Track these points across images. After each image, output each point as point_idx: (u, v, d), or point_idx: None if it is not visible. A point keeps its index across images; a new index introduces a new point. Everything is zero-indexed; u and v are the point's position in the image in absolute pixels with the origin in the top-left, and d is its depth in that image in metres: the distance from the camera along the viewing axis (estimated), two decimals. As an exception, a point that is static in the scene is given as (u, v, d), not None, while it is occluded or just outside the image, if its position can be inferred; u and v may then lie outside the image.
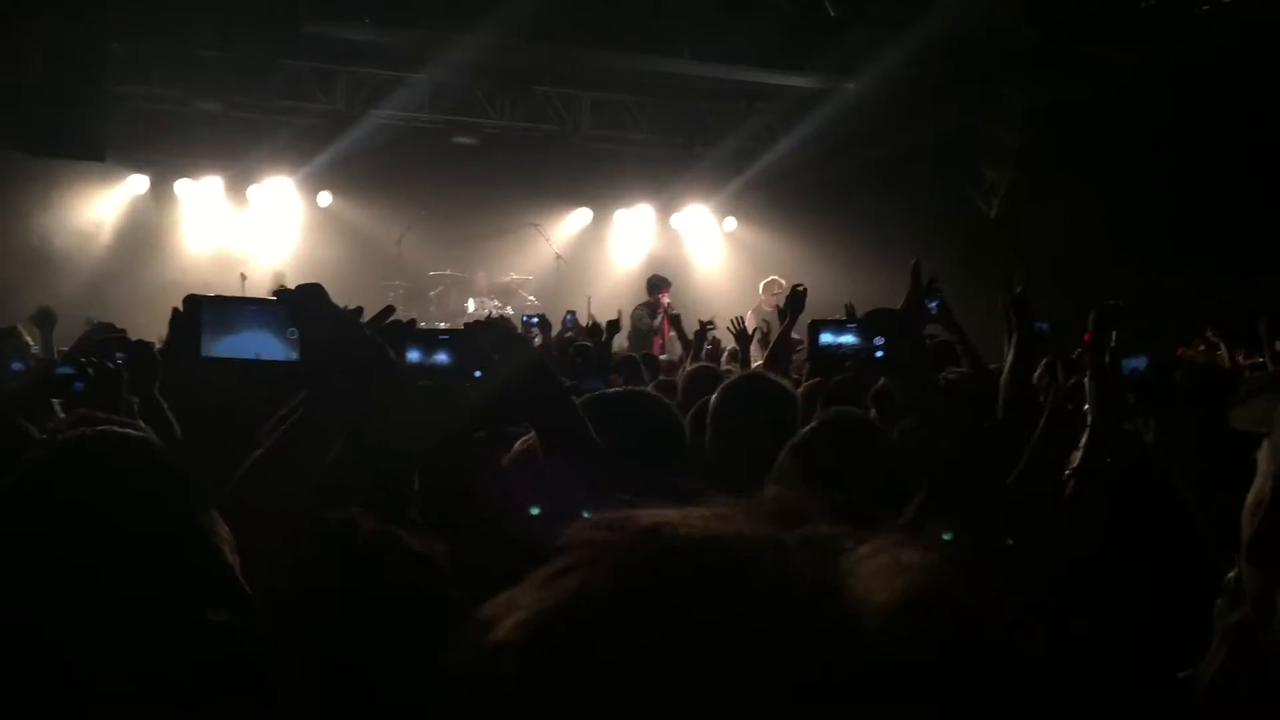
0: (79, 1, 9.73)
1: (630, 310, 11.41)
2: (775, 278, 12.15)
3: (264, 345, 1.94)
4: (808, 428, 2.77)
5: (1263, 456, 1.03)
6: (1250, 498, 1.03)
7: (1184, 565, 2.34)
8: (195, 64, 11.82)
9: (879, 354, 2.66)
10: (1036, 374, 4.70)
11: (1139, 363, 3.13)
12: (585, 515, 0.64)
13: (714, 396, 3.51)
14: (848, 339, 2.99)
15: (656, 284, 12.01)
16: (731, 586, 0.57)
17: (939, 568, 0.59)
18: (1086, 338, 4.09)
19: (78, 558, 1.63)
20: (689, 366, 6.09)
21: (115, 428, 1.91)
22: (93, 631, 1.56)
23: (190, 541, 1.71)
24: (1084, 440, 3.02)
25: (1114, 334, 3.09)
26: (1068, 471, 3.06)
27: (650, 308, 11.61)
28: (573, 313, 9.53)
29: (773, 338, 6.24)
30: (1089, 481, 3.05)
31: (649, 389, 3.80)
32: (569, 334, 8.80)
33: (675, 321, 8.63)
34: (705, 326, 7.45)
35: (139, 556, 1.65)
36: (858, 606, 0.56)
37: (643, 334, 10.82)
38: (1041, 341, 4.96)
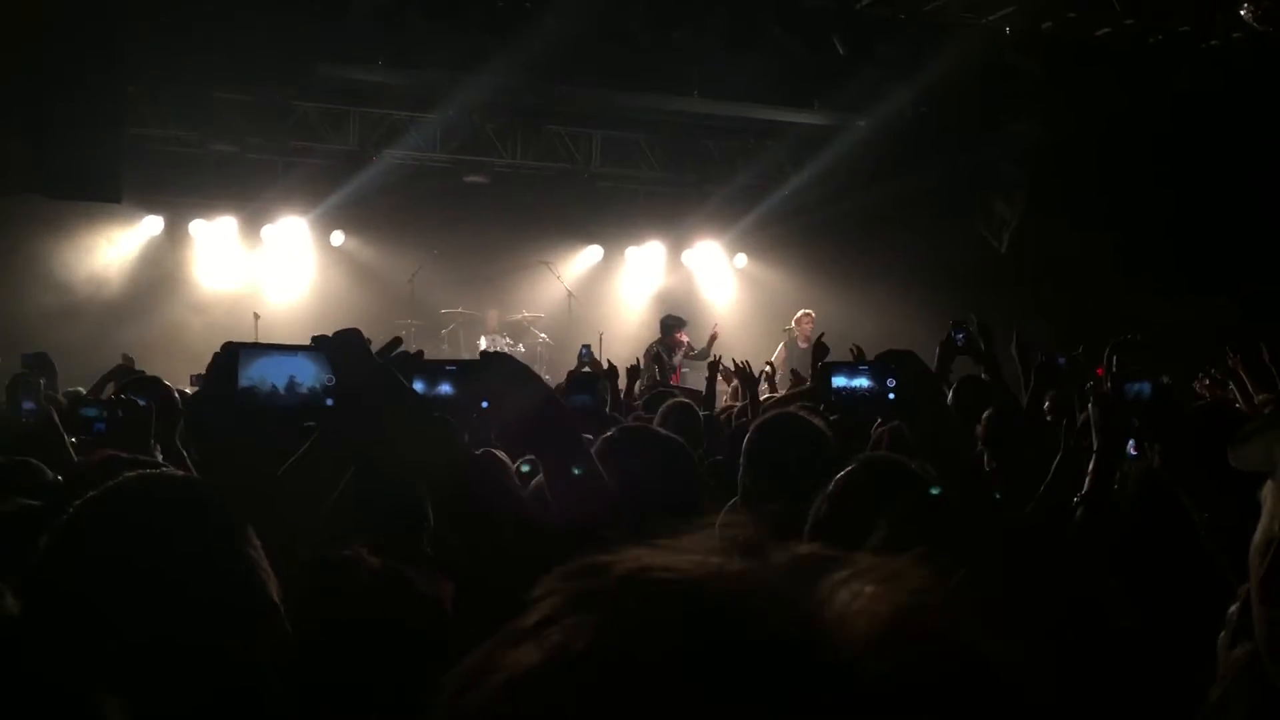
0: (96, 46, 9.86)
1: (643, 347, 11.46)
2: (807, 311, 12.18)
3: (304, 376, 2.00)
4: (842, 475, 2.76)
5: (1267, 495, 1.03)
6: (1258, 537, 1.04)
7: (1193, 589, 2.34)
8: (211, 106, 11.96)
9: (891, 395, 2.67)
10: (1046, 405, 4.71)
11: (1142, 387, 3.15)
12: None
13: (748, 434, 3.52)
14: (861, 381, 3.00)
15: (672, 325, 12.03)
16: (714, 637, 0.56)
17: (925, 592, 0.59)
18: (1099, 372, 4.11)
19: (134, 605, 1.63)
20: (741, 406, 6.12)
21: (152, 470, 1.92)
22: (144, 675, 1.57)
23: (240, 580, 1.72)
24: (1090, 467, 3.03)
25: (1115, 359, 3.12)
26: (1076, 499, 3.07)
27: (668, 347, 11.62)
28: (588, 347, 9.57)
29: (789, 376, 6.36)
30: (1097, 508, 3.06)
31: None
32: (585, 368, 8.86)
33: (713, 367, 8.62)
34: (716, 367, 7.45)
35: (192, 600, 1.66)
36: (838, 638, 0.56)
37: (662, 371, 10.82)
38: (1057, 375, 4.99)
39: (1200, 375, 8.18)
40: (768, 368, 8.04)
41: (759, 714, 0.54)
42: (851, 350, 5.96)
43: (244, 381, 2.07)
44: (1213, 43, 10.45)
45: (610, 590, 0.60)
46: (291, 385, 2.10)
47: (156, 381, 5.22)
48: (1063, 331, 8.75)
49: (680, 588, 0.59)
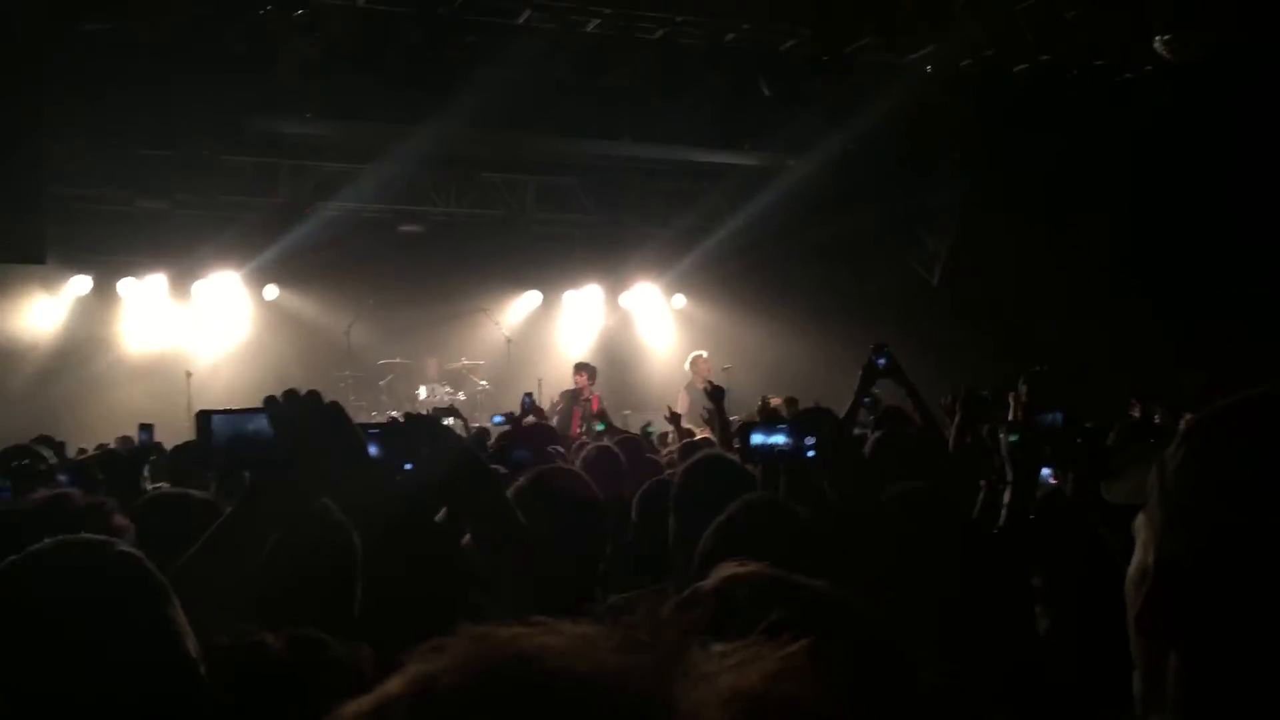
0: (15, 104, 9.72)
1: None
2: (700, 352, 12.23)
3: (268, 447, 2.04)
4: (724, 514, 2.76)
5: (1140, 527, 1.04)
6: (1132, 569, 1.05)
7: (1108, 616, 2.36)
8: (137, 163, 11.83)
9: (810, 453, 2.70)
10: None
11: (1055, 416, 3.20)
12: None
13: (676, 477, 3.51)
14: (778, 439, 3.03)
15: (579, 369, 12.06)
16: (542, 708, 0.56)
17: (782, 676, 0.59)
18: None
19: (49, 665, 1.63)
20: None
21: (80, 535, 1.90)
22: None
23: (158, 639, 1.71)
24: (1005, 498, 3.06)
25: (1026, 389, 3.17)
26: (995, 530, 3.10)
27: (574, 393, 11.59)
28: (530, 395, 9.54)
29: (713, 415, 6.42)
30: (1013, 537, 3.09)
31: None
32: (529, 415, 8.83)
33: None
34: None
35: (110, 659, 1.66)
36: None
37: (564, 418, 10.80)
38: (983, 407, 5.05)
39: (1132, 400, 8.36)
40: (666, 412, 8.04)
41: None
42: (761, 402, 6.05)
43: (220, 443, 2.12)
44: (1127, 76, 10.74)
45: (454, 649, 0.60)
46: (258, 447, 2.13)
47: (51, 441, 5.24)
48: (992, 363, 8.89)
49: (518, 653, 0.59)
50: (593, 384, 11.81)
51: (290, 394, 2.02)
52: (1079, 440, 3.28)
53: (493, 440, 7.62)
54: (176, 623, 1.74)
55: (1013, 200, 11.47)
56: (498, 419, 8.93)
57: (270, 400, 2.01)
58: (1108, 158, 10.65)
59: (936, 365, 8.30)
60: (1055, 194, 11.15)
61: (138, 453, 5.14)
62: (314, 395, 2.02)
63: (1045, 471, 3.67)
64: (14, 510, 2.59)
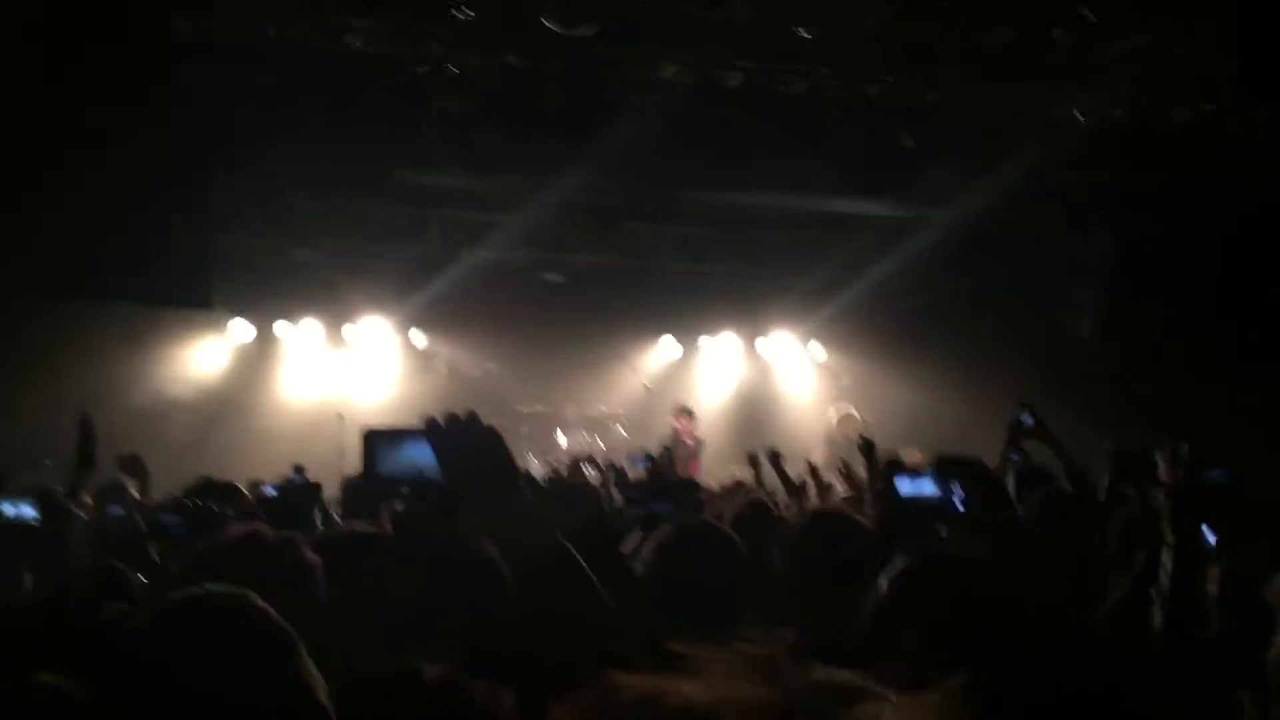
0: (186, 158, 10.28)
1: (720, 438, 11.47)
2: (850, 410, 12.13)
3: (427, 468, 2.05)
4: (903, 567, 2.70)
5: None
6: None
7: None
8: (293, 213, 12.36)
9: (960, 506, 2.64)
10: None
11: (1221, 474, 3.06)
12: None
13: (797, 531, 3.49)
14: (926, 487, 2.96)
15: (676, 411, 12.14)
16: None
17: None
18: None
19: (184, 711, 1.71)
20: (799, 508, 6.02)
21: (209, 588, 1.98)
22: None
23: (290, 697, 1.77)
24: (1168, 561, 2.93)
25: (1185, 448, 3.04)
26: (1156, 598, 2.97)
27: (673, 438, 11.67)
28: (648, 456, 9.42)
29: (855, 472, 6.32)
30: (1182, 605, 2.96)
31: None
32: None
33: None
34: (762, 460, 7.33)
35: (242, 710, 1.73)
36: None
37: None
38: (1134, 466, 4.87)
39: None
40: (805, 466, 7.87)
41: None
42: (892, 457, 5.92)
43: (386, 467, 2.14)
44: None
45: (618, 716, 0.61)
46: (420, 473, 2.15)
47: (232, 487, 5.48)
48: (1144, 422, 8.57)
49: (690, 716, 0.60)
50: (691, 424, 11.93)
51: (452, 418, 2.03)
52: (1245, 500, 3.13)
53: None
54: (306, 673, 1.80)
55: (1169, 253, 11.10)
56: (640, 462, 8.86)
57: (432, 423, 2.03)
58: (1271, 212, 10.22)
59: (1085, 422, 8.05)
60: (1213, 247, 10.75)
61: (305, 493, 5.34)
62: (474, 418, 2.02)
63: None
64: (211, 546, 2.71)
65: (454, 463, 1.98)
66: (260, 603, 1.86)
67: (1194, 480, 3.16)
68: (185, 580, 2.36)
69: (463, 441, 1.98)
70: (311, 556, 2.64)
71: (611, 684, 0.65)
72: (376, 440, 2.13)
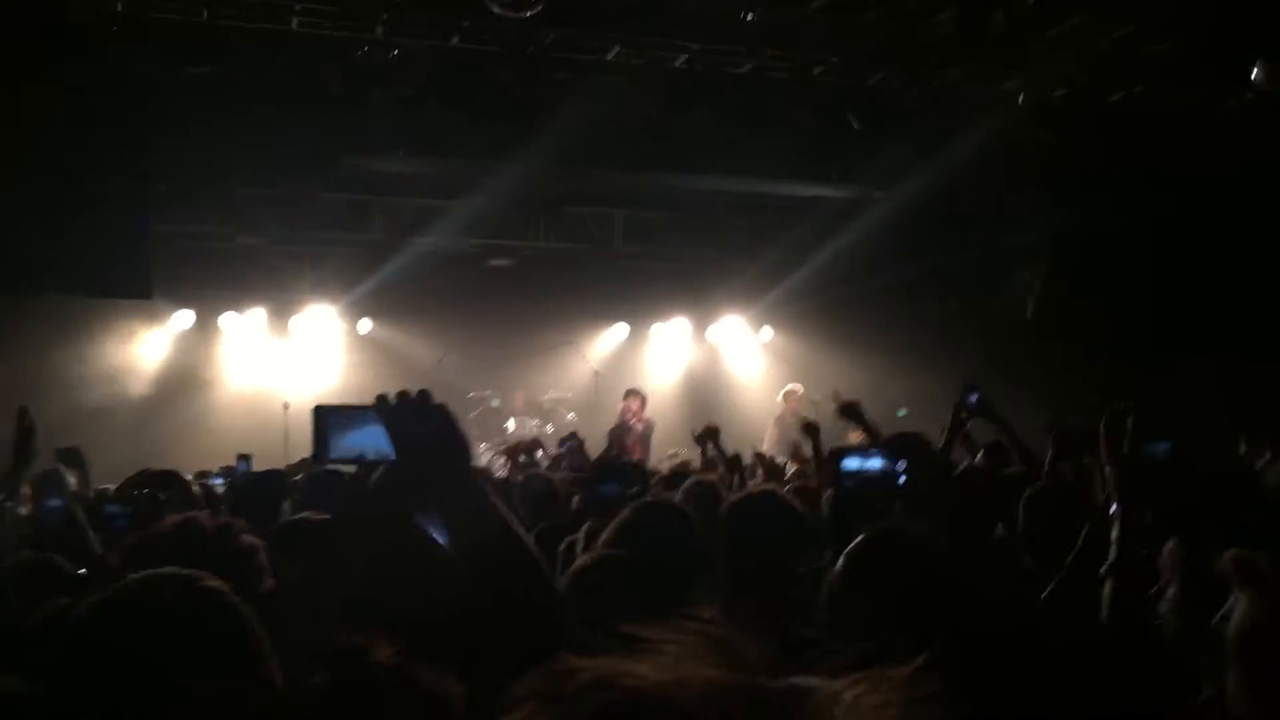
0: (122, 144, 10.10)
1: (670, 422, 11.50)
2: (794, 386, 12.22)
3: (378, 445, 2.01)
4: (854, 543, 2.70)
5: (1229, 571, 1.00)
6: (1241, 621, 1.00)
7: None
8: (236, 201, 12.19)
9: (901, 479, 2.65)
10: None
11: (1163, 447, 3.10)
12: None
13: (726, 515, 3.50)
14: (873, 464, 2.98)
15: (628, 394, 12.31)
16: None
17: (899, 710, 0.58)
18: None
19: (134, 692, 1.69)
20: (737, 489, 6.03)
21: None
22: None
23: (240, 666, 1.77)
24: (1114, 534, 2.96)
25: (1130, 420, 3.07)
26: (1103, 568, 3.00)
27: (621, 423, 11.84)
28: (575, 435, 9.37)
29: (802, 450, 6.38)
30: (1127, 574, 2.99)
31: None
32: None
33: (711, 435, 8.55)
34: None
35: (194, 685, 1.72)
36: None
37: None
38: (1077, 441, 4.93)
39: (1240, 437, 8.07)
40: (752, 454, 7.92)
41: None
42: (834, 399, 6.02)
43: (336, 451, 2.11)
44: (1229, 104, 10.48)
45: (573, 698, 0.60)
46: (362, 457, 2.12)
47: (173, 475, 5.41)
48: (1089, 399, 8.68)
49: (640, 698, 0.59)
50: (643, 409, 11.99)
51: (402, 395, 2.00)
52: (1188, 472, 3.17)
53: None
54: (260, 648, 1.81)
55: (1110, 234, 11.24)
56: (564, 445, 8.78)
57: (381, 399, 2.00)
58: (1208, 190, 10.39)
59: (1030, 401, 8.14)
60: (1154, 226, 10.91)
61: (274, 482, 5.29)
62: (425, 395, 2.00)
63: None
64: (148, 535, 2.66)
65: (405, 441, 1.96)
66: (212, 581, 1.84)
67: (1138, 453, 3.19)
68: (122, 571, 2.31)
69: (414, 419, 1.95)
70: (250, 540, 2.60)
71: (564, 667, 0.64)
72: (327, 416, 2.10)
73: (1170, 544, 3.22)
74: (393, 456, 2.00)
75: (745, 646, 0.64)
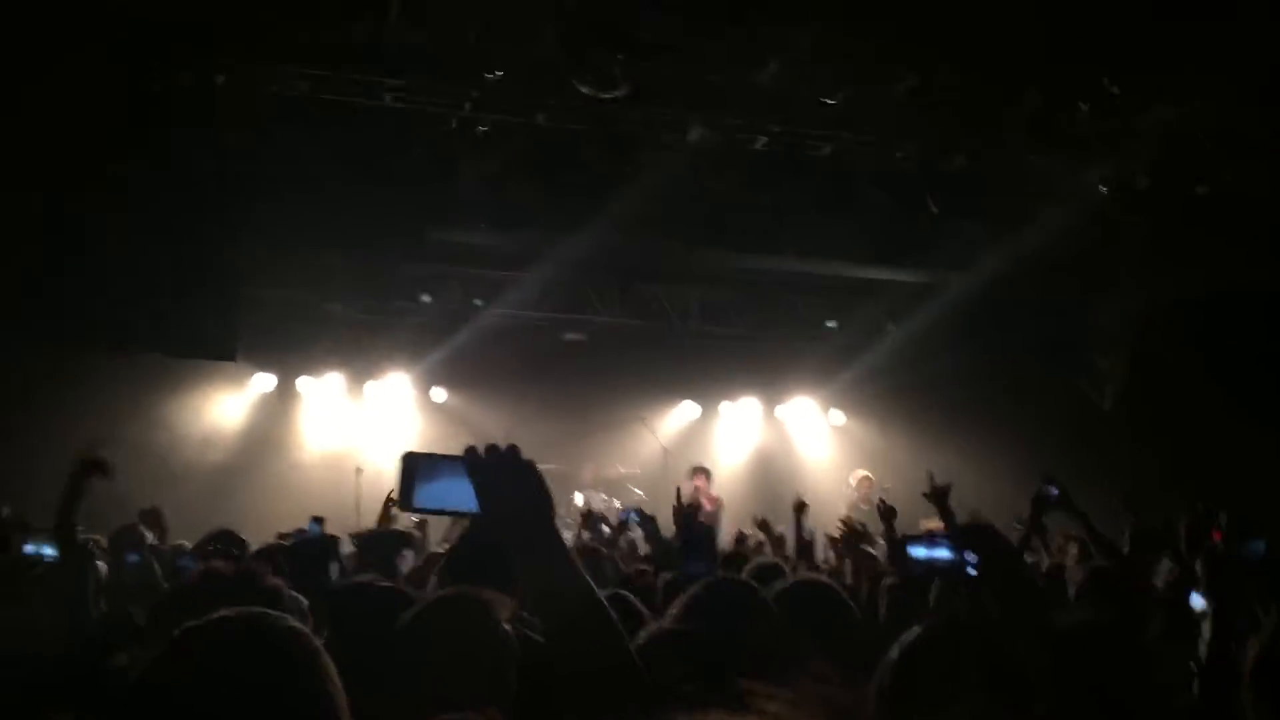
0: (216, 211, 10.41)
1: (737, 501, 11.45)
2: (865, 473, 12.14)
3: (462, 496, 2.02)
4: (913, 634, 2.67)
5: None
6: None
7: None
8: (323, 270, 12.46)
9: (971, 570, 2.62)
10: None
11: (1257, 546, 3.02)
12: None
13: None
14: (940, 553, 2.95)
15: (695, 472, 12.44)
16: None
17: None
18: (1218, 536, 3.94)
19: None
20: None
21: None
22: None
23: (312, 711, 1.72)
24: (1209, 635, 2.89)
25: (1223, 517, 3.00)
26: (1194, 666, 2.92)
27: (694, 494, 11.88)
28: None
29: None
30: (1220, 676, 2.91)
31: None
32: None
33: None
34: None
35: None
36: None
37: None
38: (1155, 541, 4.84)
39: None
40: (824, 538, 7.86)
41: None
42: (928, 492, 5.98)
43: (422, 500, 2.11)
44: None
45: None
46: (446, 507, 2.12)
47: (239, 540, 5.57)
48: (1169, 491, 8.49)
49: None
50: (709, 485, 11.95)
51: (491, 448, 2.01)
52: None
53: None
54: (335, 697, 1.74)
55: (1190, 323, 11.07)
56: (626, 513, 8.76)
57: (470, 451, 2.00)
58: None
59: (1104, 494, 7.98)
60: (1235, 314, 10.72)
61: (324, 545, 5.35)
62: (514, 450, 2.00)
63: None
64: (174, 590, 2.71)
65: (490, 494, 1.97)
66: (295, 624, 1.80)
67: (1234, 548, 3.12)
68: (152, 623, 2.34)
69: (501, 474, 1.97)
70: (274, 581, 2.61)
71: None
72: (416, 464, 2.12)
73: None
74: (477, 509, 2.00)
75: (850, 700, 0.65)
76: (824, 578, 4.34)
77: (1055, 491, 5.48)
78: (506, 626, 2.68)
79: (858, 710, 0.62)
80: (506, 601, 2.72)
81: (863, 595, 4.55)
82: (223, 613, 1.78)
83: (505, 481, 1.96)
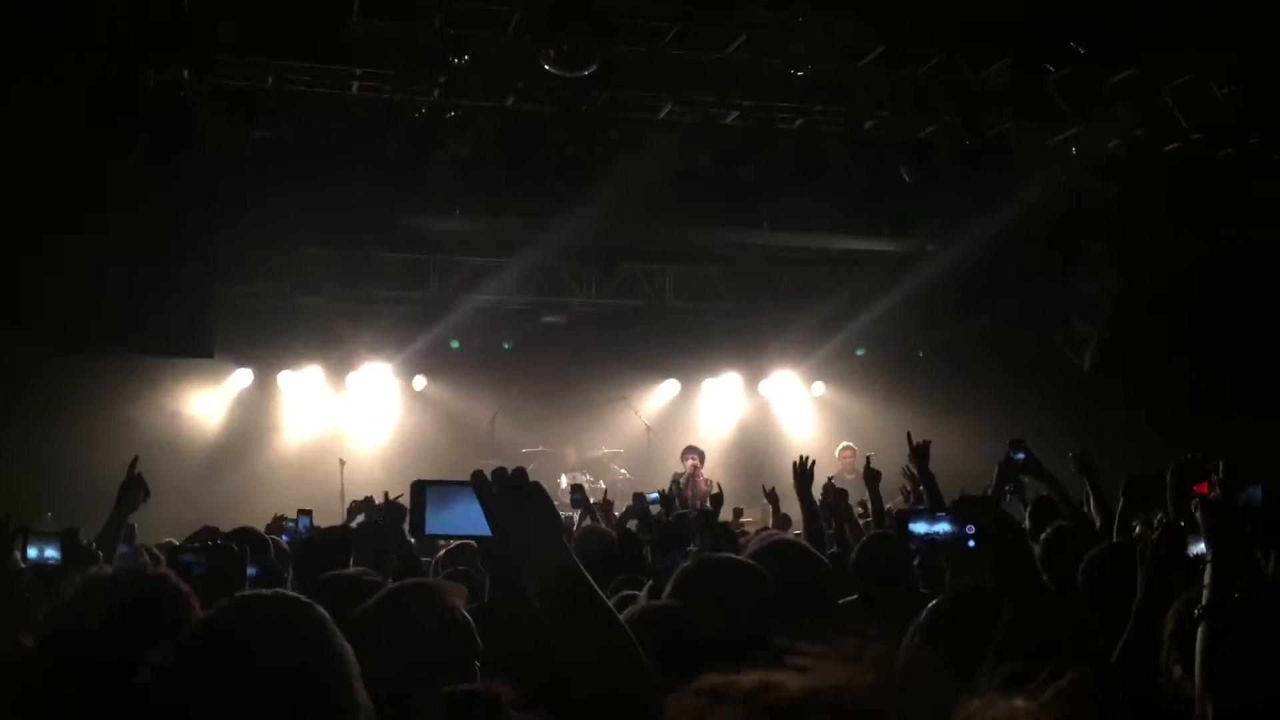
0: (187, 207, 10.33)
1: (720, 478, 11.47)
2: (848, 444, 12.19)
3: (474, 520, 2.07)
4: (935, 602, 2.68)
5: None
6: None
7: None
8: (297, 262, 12.41)
9: (971, 543, 2.64)
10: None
11: (1253, 492, 3.03)
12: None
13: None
14: (941, 527, 2.97)
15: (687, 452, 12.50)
16: None
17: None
18: (1199, 489, 3.97)
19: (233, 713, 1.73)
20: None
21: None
22: None
23: (333, 689, 1.80)
24: (1207, 578, 2.91)
25: (1222, 465, 3.02)
26: (1197, 611, 2.94)
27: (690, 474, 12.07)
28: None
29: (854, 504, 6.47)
30: (1220, 618, 2.92)
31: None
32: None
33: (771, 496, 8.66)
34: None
35: (288, 709, 1.76)
36: None
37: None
38: (1148, 492, 4.86)
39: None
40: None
41: None
42: (904, 471, 6.04)
43: (433, 525, 2.15)
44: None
45: (743, 699, 0.62)
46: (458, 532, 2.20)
47: (251, 531, 5.60)
48: (1148, 451, 8.55)
49: (809, 697, 0.61)
50: (702, 466, 11.98)
51: (498, 472, 2.05)
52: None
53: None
54: (350, 676, 1.83)
55: (1168, 285, 11.12)
56: (654, 496, 8.85)
57: (477, 475, 2.05)
58: (1266, 239, 10.27)
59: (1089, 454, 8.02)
60: (1212, 275, 10.78)
61: (339, 536, 5.47)
62: (520, 473, 2.04)
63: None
64: (83, 585, 2.70)
65: (500, 516, 2.01)
66: (301, 603, 1.88)
67: (1231, 497, 3.14)
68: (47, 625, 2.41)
69: (508, 498, 2.00)
70: (183, 586, 2.63)
71: (722, 676, 0.67)
72: (424, 491, 2.16)
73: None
74: (487, 533, 2.05)
75: (888, 654, 0.67)
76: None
77: (1021, 455, 5.52)
78: (464, 613, 2.75)
79: (893, 662, 0.64)
80: (462, 590, 2.79)
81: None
82: (254, 593, 1.91)
83: (513, 503, 2.00)
